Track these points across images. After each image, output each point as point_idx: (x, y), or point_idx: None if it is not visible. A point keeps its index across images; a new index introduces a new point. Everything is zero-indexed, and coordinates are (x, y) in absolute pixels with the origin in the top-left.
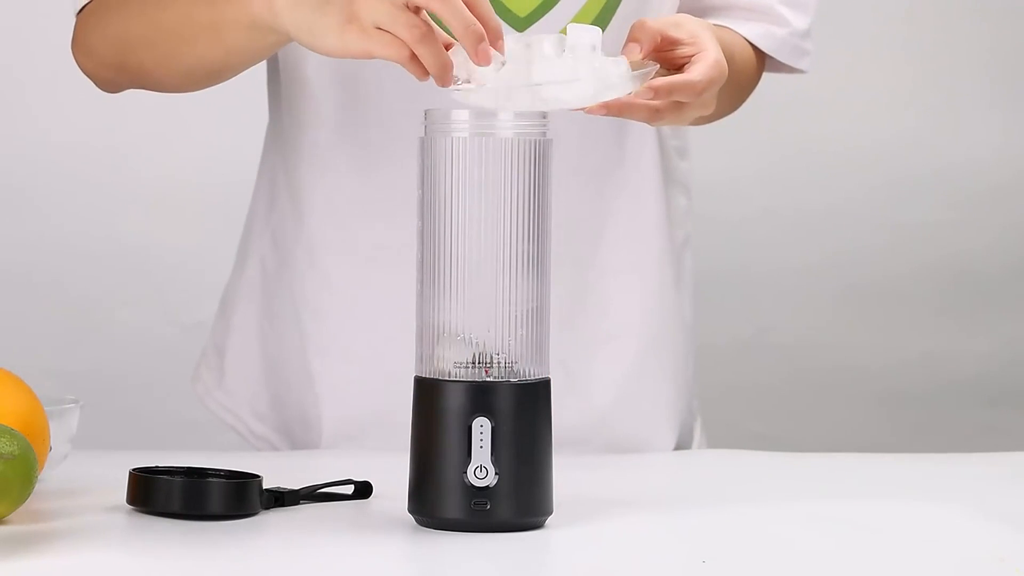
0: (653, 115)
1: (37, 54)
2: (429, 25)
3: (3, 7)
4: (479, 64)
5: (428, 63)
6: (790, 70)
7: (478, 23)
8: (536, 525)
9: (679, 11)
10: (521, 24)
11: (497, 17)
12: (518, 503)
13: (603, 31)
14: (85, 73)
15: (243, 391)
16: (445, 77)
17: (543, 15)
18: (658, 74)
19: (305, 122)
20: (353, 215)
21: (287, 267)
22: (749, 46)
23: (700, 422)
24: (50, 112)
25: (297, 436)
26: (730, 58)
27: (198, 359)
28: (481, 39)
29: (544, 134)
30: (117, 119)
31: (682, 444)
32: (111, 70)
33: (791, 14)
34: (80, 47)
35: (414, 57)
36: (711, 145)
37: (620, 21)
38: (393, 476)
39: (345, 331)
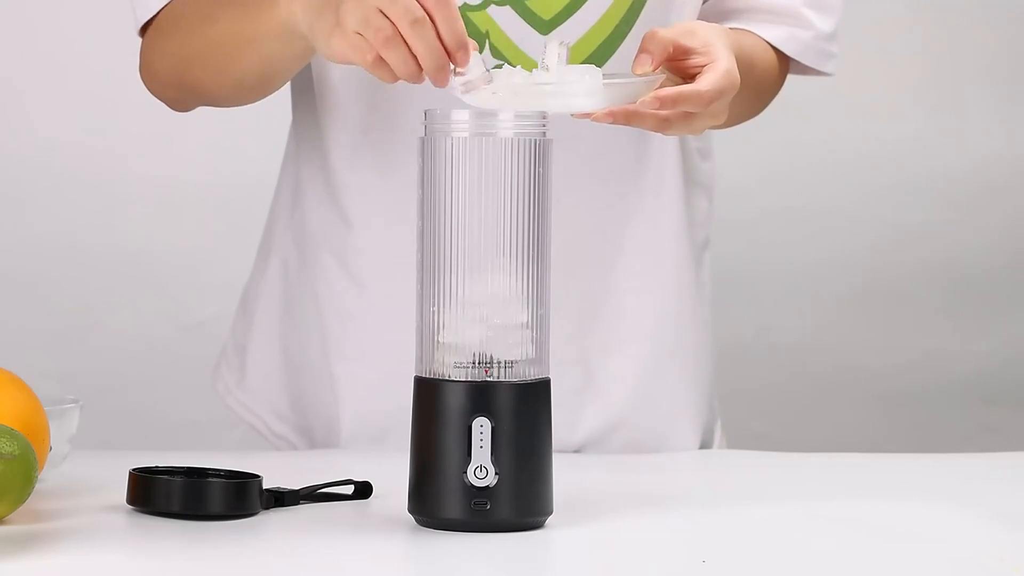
0: (661, 124)
1: (36, 55)
2: (395, 28)
3: (3, 7)
4: (437, 86)
5: (396, 67)
6: (816, 73)
7: (440, 51)
8: (536, 525)
9: (701, 15)
10: (545, 27)
11: (464, 32)
12: (518, 503)
13: (627, 34)
14: (154, 95)
15: (264, 390)
16: (416, 79)
17: (567, 18)
18: (670, 83)
19: (331, 126)
20: (379, 218)
21: (309, 267)
22: (771, 50)
23: (720, 423)
24: (50, 112)
25: (317, 437)
26: (750, 63)
27: (218, 358)
28: (442, 69)
29: (544, 134)
30: (117, 119)
31: (703, 446)
32: (174, 89)
33: (816, 16)
34: (145, 70)
35: (377, 62)
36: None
37: (644, 24)
38: (393, 476)
39: (368, 333)
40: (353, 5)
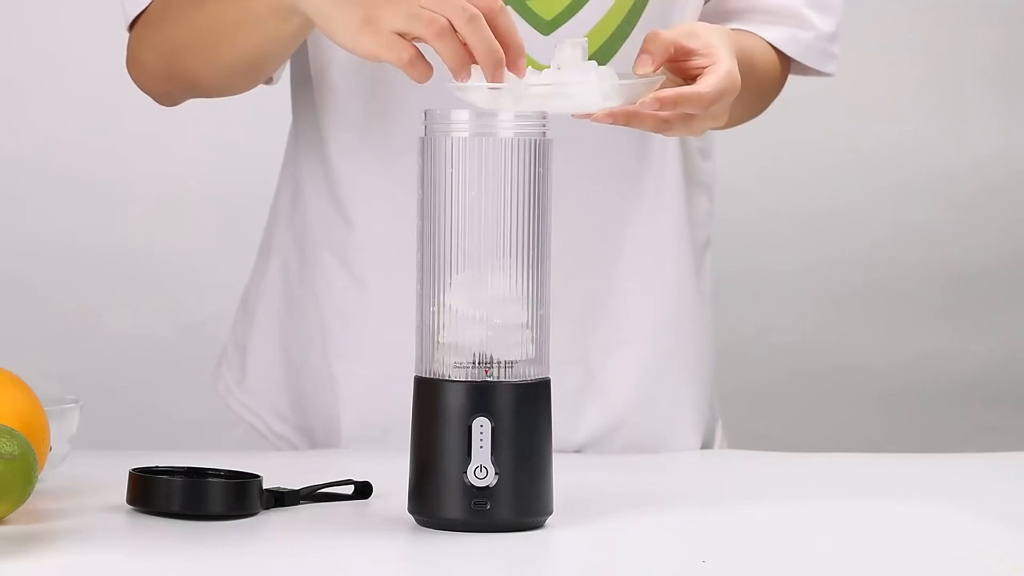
0: (661, 125)
1: (36, 55)
2: (449, 23)
3: (3, 7)
4: (493, 82)
5: (447, 57)
6: (817, 74)
7: (500, 49)
8: (536, 525)
9: (702, 15)
10: (547, 28)
11: (519, 36)
12: (518, 503)
13: (628, 34)
14: (142, 89)
15: (264, 390)
16: (462, 72)
17: (569, 19)
18: (670, 84)
19: (331, 125)
20: (379, 215)
21: (310, 267)
22: (772, 50)
23: (721, 424)
24: (50, 112)
25: (317, 437)
26: (751, 64)
27: (218, 358)
28: (500, 65)
29: (544, 134)
30: (117, 119)
31: (704, 446)
32: (163, 82)
33: (817, 17)
34: (133, 64)
35: (414, 60)
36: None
37: (645, 25)
38: (393, 476)
39: (368, 333)
40: (393, 6)
